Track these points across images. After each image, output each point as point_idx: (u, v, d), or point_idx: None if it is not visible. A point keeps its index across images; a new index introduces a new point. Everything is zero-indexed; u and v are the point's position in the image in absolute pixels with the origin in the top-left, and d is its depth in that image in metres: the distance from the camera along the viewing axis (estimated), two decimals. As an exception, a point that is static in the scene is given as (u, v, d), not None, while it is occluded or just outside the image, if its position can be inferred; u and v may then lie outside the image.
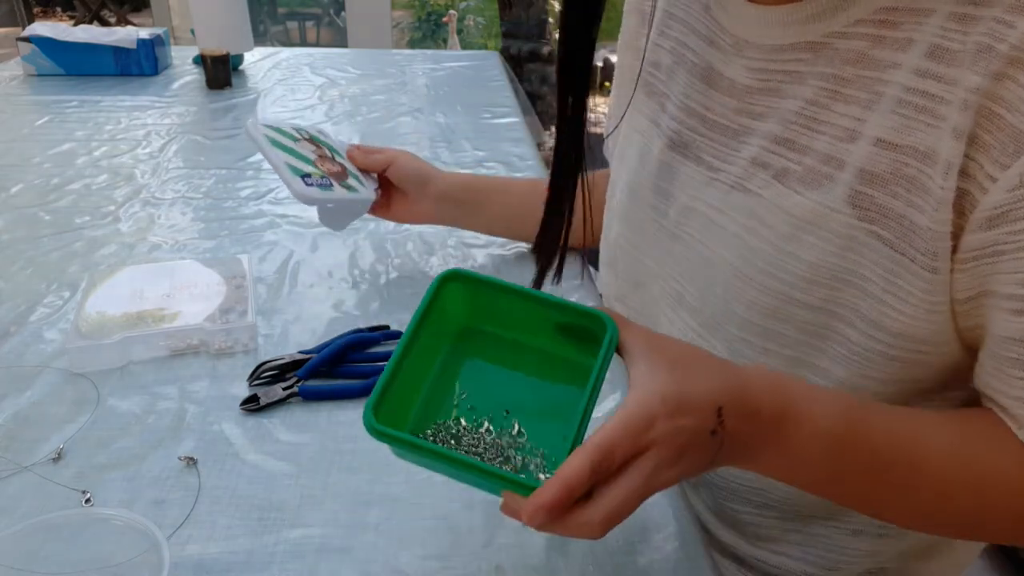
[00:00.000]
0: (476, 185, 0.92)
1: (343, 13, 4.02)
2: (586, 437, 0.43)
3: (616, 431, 0.41)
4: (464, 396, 0.51)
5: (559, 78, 0.60)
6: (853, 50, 0.52)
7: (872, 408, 0.50)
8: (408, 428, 0.49)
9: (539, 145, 1.53)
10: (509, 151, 1.31)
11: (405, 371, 0.48)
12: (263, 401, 0.68)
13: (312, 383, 0.70)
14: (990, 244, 0.47)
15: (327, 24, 5.52)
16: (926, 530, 0.56)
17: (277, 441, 0.65)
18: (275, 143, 0.82)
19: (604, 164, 0.85)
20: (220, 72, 1.57)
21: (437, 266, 0.93)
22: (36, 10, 5.98)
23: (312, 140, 0.88)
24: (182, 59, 1.77)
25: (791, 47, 0.56)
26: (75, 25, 2.25)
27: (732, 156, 0.59)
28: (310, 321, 0.81)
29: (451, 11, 5.10)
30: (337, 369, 0.72)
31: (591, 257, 0.88)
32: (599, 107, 4.53)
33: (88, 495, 0.59)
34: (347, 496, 0.60)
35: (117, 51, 1.63)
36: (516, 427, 0.49)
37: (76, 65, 1.63)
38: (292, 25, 5.53)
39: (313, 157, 0.84)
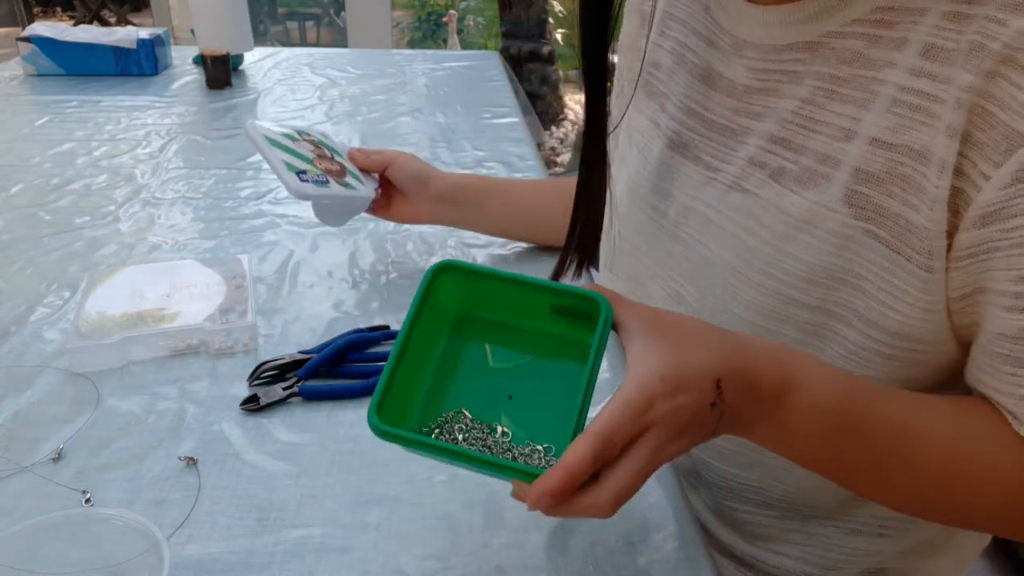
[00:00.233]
0: (475, 185, 0.93)
1: (343, 13, 4.02)
2: (588, 418, 0.43)
3: (616, 416, 0.41)
4: (467, 384, 0.51)
5: (583, 69, 0.61)
6: (849, 49, 0.52)
7: (873, 388, 0.50)
8: (413, 422, 0.49)
9: (539, 145, 1.53)
10: (509, 151, 1.31)
11: (405, 366, 0.49)
12: (263, 401, 0.68)
13: (312, 383, 0.70)
14: (984, 242, 0.47)
15: (327, 24, 5.52)
16: (915, 512, 0.56)
17: (277, 441, 0.65)
18: (273, 142, 0.82)
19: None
20: (220, 72, 1.57)
21: (437, 266, 0.93)
22: (36, 10, 5.98)
23: (312, 141, 0.88)
24: (182, 59, 1.77)
25: (789, 47, 0.56)
26: (75, 25, 2.25)
27: (730, 156, 0.60)
28: (310, 321, 0.81)
29: (451, 11, 5.10)
30: (337, 369, 0.72)
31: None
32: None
33: (88, 495, 0.59)
34: (347, 496, 0.60)
35: (117, 51, 1.63)
36: (519, 414, 0.50)
37: (76, 65, 1.63)
38: (292, 25, 5.53)
39: (311, 156, 0.85)
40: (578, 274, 0.67)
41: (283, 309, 0.83)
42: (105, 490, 0.59)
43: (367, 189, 0.87)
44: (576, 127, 4.36)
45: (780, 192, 0.55)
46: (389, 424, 0.45)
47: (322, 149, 0.88)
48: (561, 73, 4.56)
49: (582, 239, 0.65)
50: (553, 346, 0.52)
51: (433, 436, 0.49)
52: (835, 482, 0.52)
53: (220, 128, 1.37)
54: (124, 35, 1.65)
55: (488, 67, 1.84)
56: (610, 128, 0.80)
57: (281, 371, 0.72)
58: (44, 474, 0.61)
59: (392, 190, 0.90)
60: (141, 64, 1.65)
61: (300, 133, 0.88)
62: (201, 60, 1.59)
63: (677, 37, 0.67)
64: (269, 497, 0.59)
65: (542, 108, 4.31)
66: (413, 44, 5.88)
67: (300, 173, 0.80)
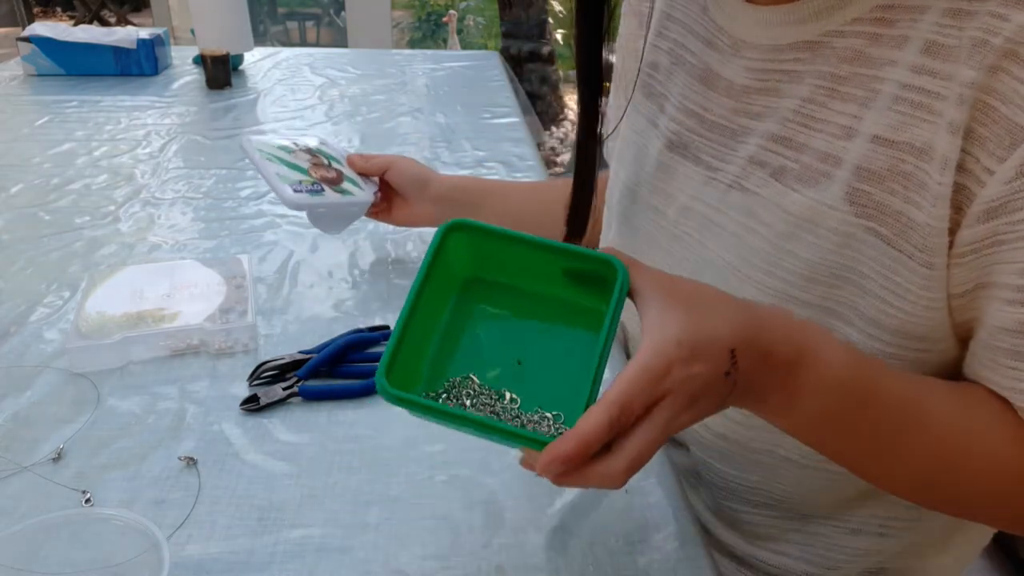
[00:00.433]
0: (475, 187, 0.93)
1: (343, 13, 4.02)
2: (602, 385, 0.42)
3: (633, 383, 0.40)
4: (475, 348, 0.50)
5: (579, 73, 0.61)
6: (850, 48, 0.52)
7: (882, 366, 0.50)
8: (421, 386, 0.48)
9: (539, 145, 1.53)
10: (509, 151, 1.31)
11: (414, 328, 0.47)
12: (263, 401, 0.68)
13: (312, 383, 0.70)
14: (989, 236, 0.47)
15: (327, 24, 5.52)
16: (916, 495, 0.55)
17: (277, 441, 0.65)
18: (267, 156, 0.84)
19: (603, 164, 0.85)
20: (220, 72, 1.57)
21: (437, 266, 0.93)
22: (36, 10, 5.98)
23: (309, 150, 0.89)
24: (182, 59, 1.77)
25: (789, 47, 0.56)
26: (75, 25, 2.25)
27: (730, 156, 0.60)
28: (310, 321, 0.81)
29: (451, 11, 5.10)
30: (337, 369, 0.72)
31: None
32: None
33: (88, 495, 0.59)
34: (347, 496, 0.60)
35: (117, 51, 1.63)
36: (528, 380, 0.49)
37: (76, 65, 1.63)
38: (292, 25, 5.53)
39: (307, 166, 0.86)
40: None
41: (283, 309, 0.83)
42: (105, 490, 0.59)
43: (365, 194, 0.88)
44: (576, 127, 4.36)
45: (781, 191, 0.55)
46: (397, 387, 0.44)
47: (319, 157, 0.89)
48: (561, 73, 4.56)
49: (574, 232, 0.66)
50: (565, 311, 0.50)
51: (440, 401, 0.48)
52: (838, 462, 0.52)
53: (220, 128, 1.37)
54: (124, 35, 1.65)
55: (488, 67, 1.84)
56: (608, 129, 0.81)
57: (281, 371, 0.72)
58: (44, 474, 0.61)
59: (392, 193, 0.91)
60: (141, 64, 1.65)
61: (297, 144, 0.89)
62: (201, 60, 1.59)
63: (675, 38, 0.67)
64: (269, 497, 0.59)
65: (542, 108, 4.31)
66: (413, 44, 5.88)
67: (294, 184, 0.82)
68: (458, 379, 0.49)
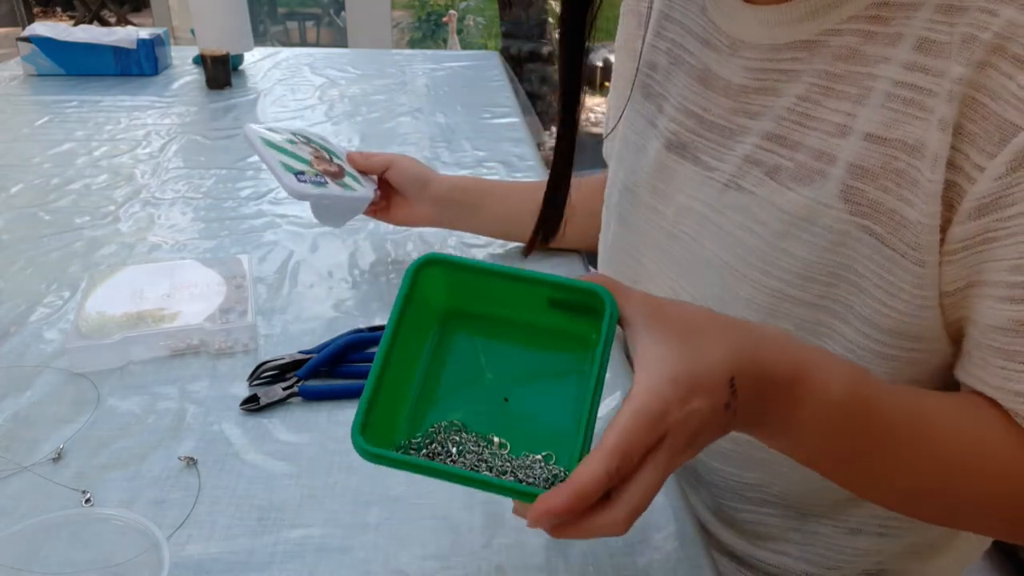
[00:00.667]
0: (474, 187, 0.93)
1: (343, 13, 4.02)
2: (596, 423, 0.41)
3: (632, 430, 0.38)
4: (458, 387, 0.48)
5: (561, 68, 0.61)
6: (845, 46, 0.52)
7: (877, 382, 0.49)
8: (402, 434, 0.46)
9: (539, 145, 1.53)
10: (509, 151, 1.31)
11: (391, 373, 0.45)
12: (263, 401, 0.68)
13: (312, 383, 0.70)
14: (980, 233, 0.47)
15: (327, 24, 5.52)
16: (915, 510, 0.54)
17: (277, 441, 0.65)
18: (270, 144, 0.83)
19: (600, 163, 0.85)
20: (220, 72, 1.57)
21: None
22: (36, 10, 5.98)
23: (311, 143, 0.89)
24: (182, 59, 1.77)
25: (787, 46, 0.56)
26: (75, 25, 2.25)
27: (727, 155, 0.60)
28: (310, 321, 0.81)
29: (451, 11, 5.10)
30: (337, 369, 0.72)
31: (591, 258, 0.89)
32: (599, 107, 4.53)
33: (88, 495, 0.59)
34: (347, 496, 0.60)
35: (117, 51, 1.63)
36: (516, 418, 0.47)
37: (76, 65, 1.63)
38: (292, 25, 5.53)
39: (310, 158, 0.85)
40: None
41: (283, 309, 0.83)
42: (105, 490, 0.59)
43: (366, 190, 0.87)
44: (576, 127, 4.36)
45: (777, 189, 0.55)
46: (376, 440, 0.42)
47: (321, 151, 0.88)
48: (561, 73, 4.56)
49: (547, 222, 0.68)
50: (551, 340, 0.48)
51: (424, 451, 0.45)
52: (836, 481, 0.51)
53: (220, 128, 1.37)
54: (124, 35, 1.65)
55: (488, 67, 1.84)
56: (607, 129, 0.81)
57: (281, 371, 0.72)
58: (44, 474, 0.61)
59: (391, 192, 0.91)
60: (141, 64, 1.65)
61: (298, 135, 0.88)
62: (201, 60, 1.59)
63: (673, 38, 0.67)
64: (269, 497, 0.59)
65: (542, 108, 4.31)
66: (413, 44, 5.88)
67: (298, 174, 0.80)
68: (442, 425, 0.46)
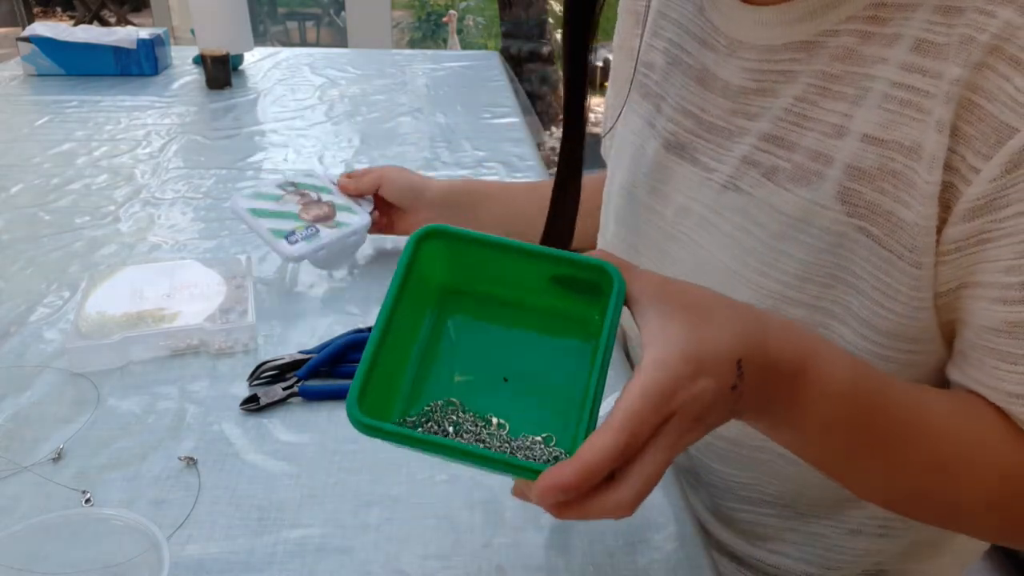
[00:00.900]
0: (471, 190, 0.94)
1: (343, 13, 4.02)
2: (600, 407, 0.39)
3: (641, 406, 0.37)
4: (455, 366, 0.46)
5: (565, 65, 0.61)
6: (842, 47, 0.52)
7: (880, 374, 0.48)
8: (397, 412, 0.44)
9: (539, 145, 1.53)
10: (509, 151, 1.31)
11: (388, 349, 0.43)
12: (263, 401, 0.68)
13: (312, 383, 0.70)
14: (975, 234, 0.47)
15: (327, 24, 5.52)
16: (911, 507, 0.53)
17: (277, 441, 0.65)
18: (257, 212, 0.85)
19: (600, 162, 0.85)
20: (220, 72, 1.57)
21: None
22: (36, 10, 5.98)
23: (297, 188, 0.90)
24: (182, 59, 1.77)
25: (785, 47, 0.56)
26: (75, 25, 2.25)
27: (725, 156, 0.60)
28: (310, 321, 0.81)
29: (451, 11, 5.10)
30: (337, 369, 0.72)
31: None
32: (599, 107, 4.53)
33: (88, 495, 0.59)
34: (347, 496, 0.60)
35: (117, 51, 1.63)
36: (516, 399, 0.45)
37: (76, 65, 1.63)
38: (292, 25, 5.53)
39: (297, 209, 0.87)
40: None
41: (283, 309, 0.83)
42: (105, 490, 0.59)
43: (360, 217, 0.88)
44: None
45: (774, 191, 0.55)
46: (372, 416, 0.40)
47: (308, 194, 0.89)
48: (561, 73, 4.56)
49: (556, 235, 0.66)
50: (553, 321, 0.46)
51: (420, 429, 0.43)
52: (833, 476, 0.51)
53: (220, 128, 1.37)
54: (124, 35, 1.65)
55: (488, 67, 1.84)
56: (604, 129, 0.81)
57: (281, 371, 0.72)
58: (44, 474, 0.61)
59: (391, 208, 0.92)
60: (141, 64, 1.65)
61: (285, 185, 0.90)
62: (201, 60, 1.59)
63: (671, 38, 0.67)
64: (269, 497, 0.59)
65: (542, 108, 4.31)
66: (413, 44, 5.89)
67: (288, 235, 0.83)
68: (439, 403, 0.44)
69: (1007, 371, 0.47)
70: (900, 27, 0.49)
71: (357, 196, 0.90)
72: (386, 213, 0.92)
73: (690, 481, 0.71)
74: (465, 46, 5.39)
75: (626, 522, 0.58)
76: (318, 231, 0.85)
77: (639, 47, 0.71)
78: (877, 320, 0.52)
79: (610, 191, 0.74)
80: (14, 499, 0.58)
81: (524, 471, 0.39)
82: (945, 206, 0.48)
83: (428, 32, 5.92)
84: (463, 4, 6.13)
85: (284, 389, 0.69)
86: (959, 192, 0.47)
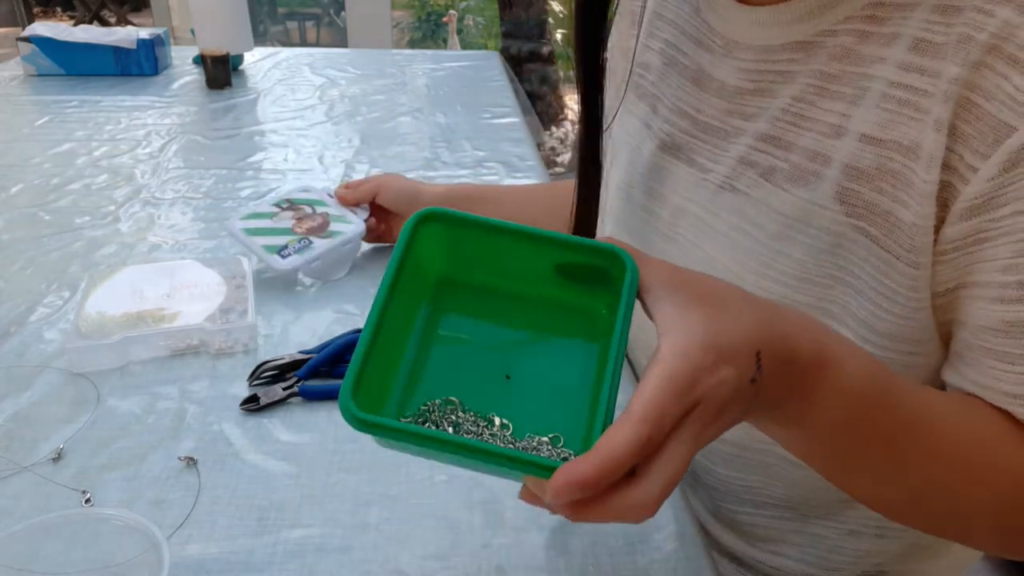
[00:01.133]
0: (468, 193, 0.95)
1: (343, 13, 4.02)
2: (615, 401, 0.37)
3: (664, 395, 0.35)
4: (453, 362, 0.43)
5: (578, 73, 0.61)
6: (840, 46, 0.52)
7: (894, 376, 0.47)
8: (391, 411, 0.41)
9: (539, 145, 1.53)
10: (509, 151, 1.31)
11: (382, 342, 0.40)
12: (263, 401, 0.68)
13: (312, 383, 0.70)
14: (972, 233, 0.47)
15: (327, 24, 5.52)
16: (910, 515, 0.52)
17: (277, 441, 0.65)
18: (251, 231, 0.88)
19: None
20: (220, 72, 1.57)
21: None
22: (36, 10, 5.98)
23: (292, 205, 0.92)
24: (182, 59, 1.77)
25: (782, 47, 0.56)
26: (75, 25, 2.25)
27: (722, 156, 0.59)
28: (310, 321, 0.81)
29: (451, 11, 5.10)
30: (337, 369, 0.72)
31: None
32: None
33: (88, 495, 0.59)
34: (347, 496, 0.60)
35: (117, 51, 1.63)
36: (519, 397, 0.42)
37: (76, 65, 1.63)
38: (292, 25, 5.53)
39: (291, 224, 0.89)
40: None
41: (283, 309, 0.83)
42: (105, 490, 0.59)
43: (356, 224, 0.90)
44: (576, 127, 4.38)
45: (772, 191, 0.55)
46: (367, 412, 0.37)
47: (303, 209, 0.91)
48: (561, 73, 4.56)
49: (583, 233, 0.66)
50: (556, 314, 0.44)
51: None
52: (835, 479, 0.50)
53: (220, 128, 1.37)
54: (124, 35, 1.65)
55: (488, 67, 1.84)
56: (602, 128, 0.81)
57: (281, 371, 0.72)
58: (44, 474, 0.61)
59: (390, 216, 0.93)
60: (141, 64, 1.65)
61: (280, 203, 0.92)
62: (201, 60, 1.59)
63: (666, 38, 0.67)
64: (269, 497, 0.59)
65: (542, 108, 4.31)
66: (413, 44, 5.89)
67: (281, 250, 0.85)
68: (437, 402, 0.41)
69: (1004, 371, 0.47)
70: (898, 26, 0.49)
71: (354, 206, 0.92)
72: (384, 219, 0.93)
73: (689, 482, 0.71)
74: (465, 46, 5.39)
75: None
76: (311, 242, 0.86)
77: (635, 48, 0.71)
78: (875, 321, 0.52)
79: (607, 192, 0.74)
80: (14, 499, 0.58)
81: (537, 468, 0.35)
82: (943, 205, 0.47)
83: (428, 32, 5.92)
84: (463, 4, 6.13)
85: (284, 389, 0.69)
86: (957, 191, 0.46)
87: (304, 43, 5.37)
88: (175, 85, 1.61)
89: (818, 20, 0.53)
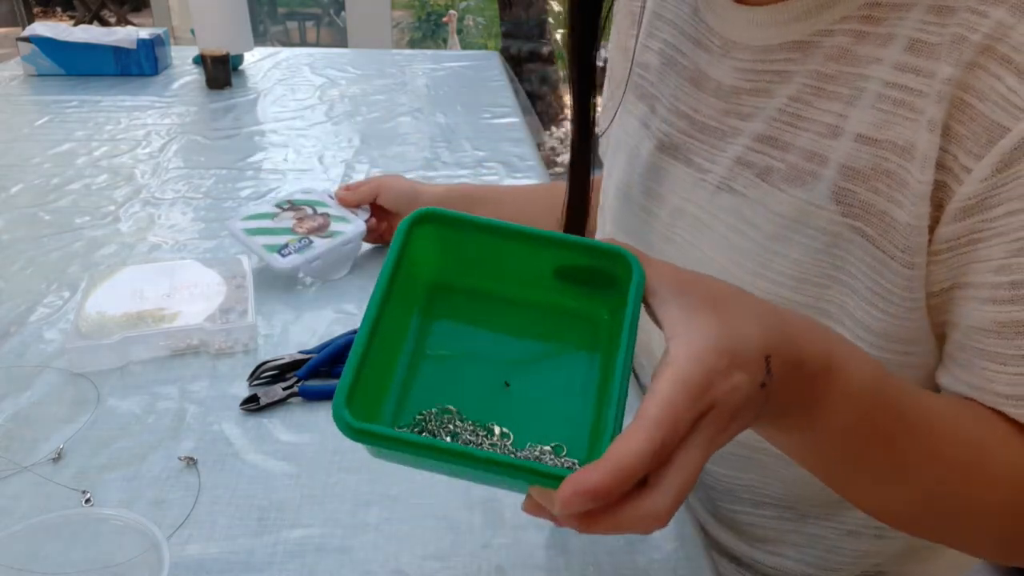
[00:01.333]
0: (467, 193, 0.96)
1: (343, 13, 4.02)
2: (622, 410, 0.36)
3: (677, 400, 0.33)
4: (449, 370, 0.42)
5: (571, 72, 0.61)
6: (837, 47, 0.52)
7: (898, 380, 0.46)
8: (387, 421, 0.40)
9: (539, 145, 1.53)
10: (509, 151, 1.31)
11: (376, 349, 0.38)
12: (263, 401, 0.68)
13: (312, 383, 0.70)
14: (966, 233, 0.47)
15: (327, 24, 5.52)
16: (911, 521, 0.51)
17: (277, 441, 0.65)
18: (251, 231, 0.88)
19: (599, 162, 0.85)
20: (220, 72, 1.57)
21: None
22: (36, 10, 5.98)
23: (294, 206, 0.92)
24: (182, 59, 1.77)
25: (780, 47, 0.56)
26: (75, 25, 2.25)
27: (719, 157, 0.60)
28: (310, 321, 0.81)
29: (451, 11, 5.10)
30: (337, 369, 0.72)
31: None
32: (597, 107, 4.53)
33: (88, 495, 0.59)
34: (347, 496, 0.60)
35: (117, 51, 1.63)
36: (519, 406, 0.41)
37: (76, 65, 1.63)
38: (292, 25, 5.53)
39: (291, 223, 0.89)
40: None
41: (283, 309, 0.83)
42: (105, 490, 0.59)
43: (356, 224, 0.90)
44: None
45: (768, 191, 0.55)
46: (363, 420, 0.36)
47: (303, 209, 0.92)
48: (561, 73, 4.57)
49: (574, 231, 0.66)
50: (556, 319, 0.43)
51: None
52: (833, 483, 0.50)
53: (220, 128, 1.37)
54: (124, 35, 1.65)
55: (488, 67, 1.84)
56: (600, 130, 0.81)
57: (281, 371, 0.72)
58: (44, 474, 0.61)
59: (388, 214, 0.93)
60: (141, 64, 1.65)
61: (281, 204, 0.92)
62: (201, 60, 1.59)
63: (666, 39, 0.67)
64: (269, 497, 0.59)
65: (542, 108, 4.31)
66: (413, 44, 5.89)
67: (281, 249, 0.85)
68: (433, 411, 0.40)
69: (996, 372, 0.47)
70: (894, 27, 0.49)
71: (355, 207, 0.92)
72: (384, 219, 0.94)
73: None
74: (465, 46, 5.39)
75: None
76: (311, 242, 0.86)
77: (635, 48, 0.71)
78: (872, 321, 0.52)
79: (606, 192, 0.74)
80: (14, 499, 0.58)
81: (544, 478, 0.34)
82: (937, 206, 0.47)
83: (428, 32, 5.92)
84: (463, 4, 6.13)
85: (284, 389, 0.69)
86: (951, 191, 0.47)
87: (304, 43, 5.38)
88: (175, 85, 1.61)
89: (815, 20, 0.53)
